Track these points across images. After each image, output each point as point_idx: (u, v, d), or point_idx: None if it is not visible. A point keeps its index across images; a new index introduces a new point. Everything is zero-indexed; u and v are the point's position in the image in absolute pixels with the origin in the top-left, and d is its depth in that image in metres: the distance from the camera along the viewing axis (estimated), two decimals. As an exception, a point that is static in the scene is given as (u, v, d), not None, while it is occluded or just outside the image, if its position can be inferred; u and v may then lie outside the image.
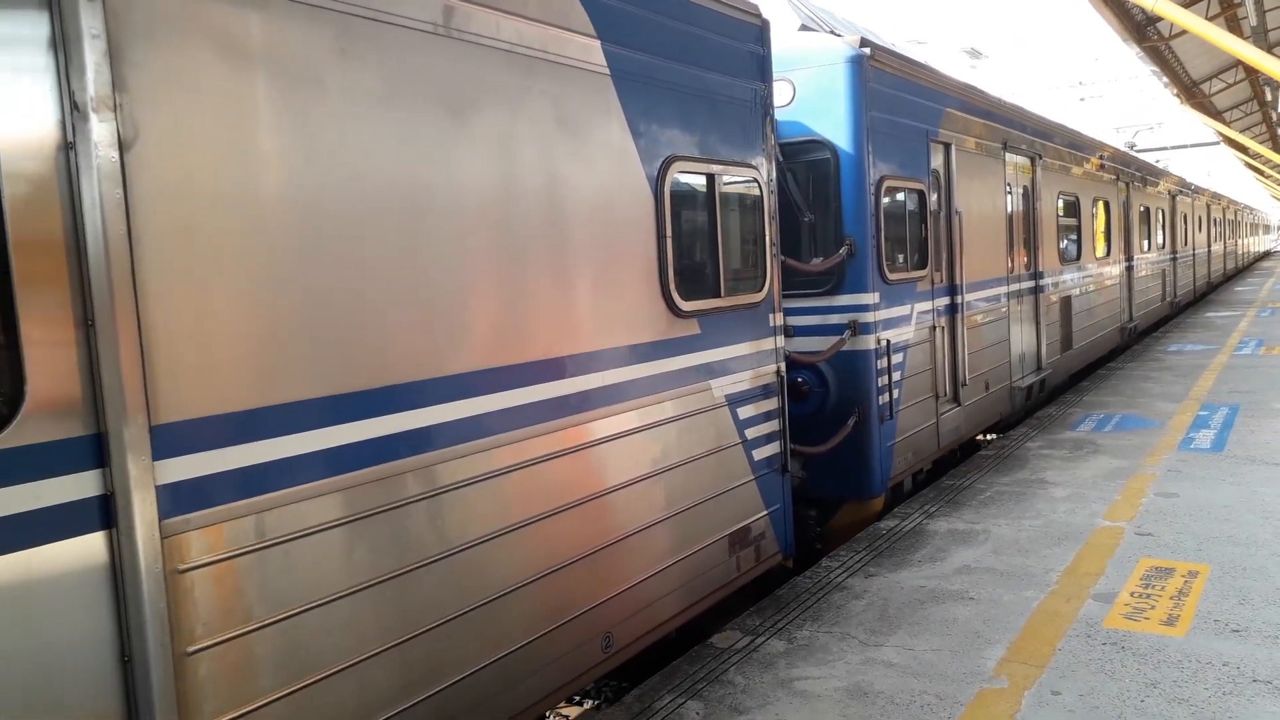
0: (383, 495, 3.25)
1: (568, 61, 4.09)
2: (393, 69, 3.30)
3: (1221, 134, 27.54)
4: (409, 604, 3.34)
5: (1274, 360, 13.94)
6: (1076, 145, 13.24)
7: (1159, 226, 19.95)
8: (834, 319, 6.95)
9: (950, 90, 8.67)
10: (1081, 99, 43.06)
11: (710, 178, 5.09)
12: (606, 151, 4.36)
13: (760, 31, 5.59)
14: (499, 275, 3.74)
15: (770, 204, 5.64)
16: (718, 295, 5.12)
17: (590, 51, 4.23)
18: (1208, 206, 28.89)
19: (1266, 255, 71.31)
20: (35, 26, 2.42)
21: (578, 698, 5.54)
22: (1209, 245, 29.40)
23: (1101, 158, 14.74)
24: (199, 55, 2.74)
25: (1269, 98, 24.28)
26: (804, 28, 7.36)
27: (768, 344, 5.58)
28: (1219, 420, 9.70)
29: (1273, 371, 12.81)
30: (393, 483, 3.28)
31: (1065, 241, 12.42)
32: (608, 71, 4.33)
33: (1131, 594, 5.25)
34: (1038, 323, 11.04)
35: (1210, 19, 14.85)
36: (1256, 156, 37.50)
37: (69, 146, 2.47)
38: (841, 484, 7.03)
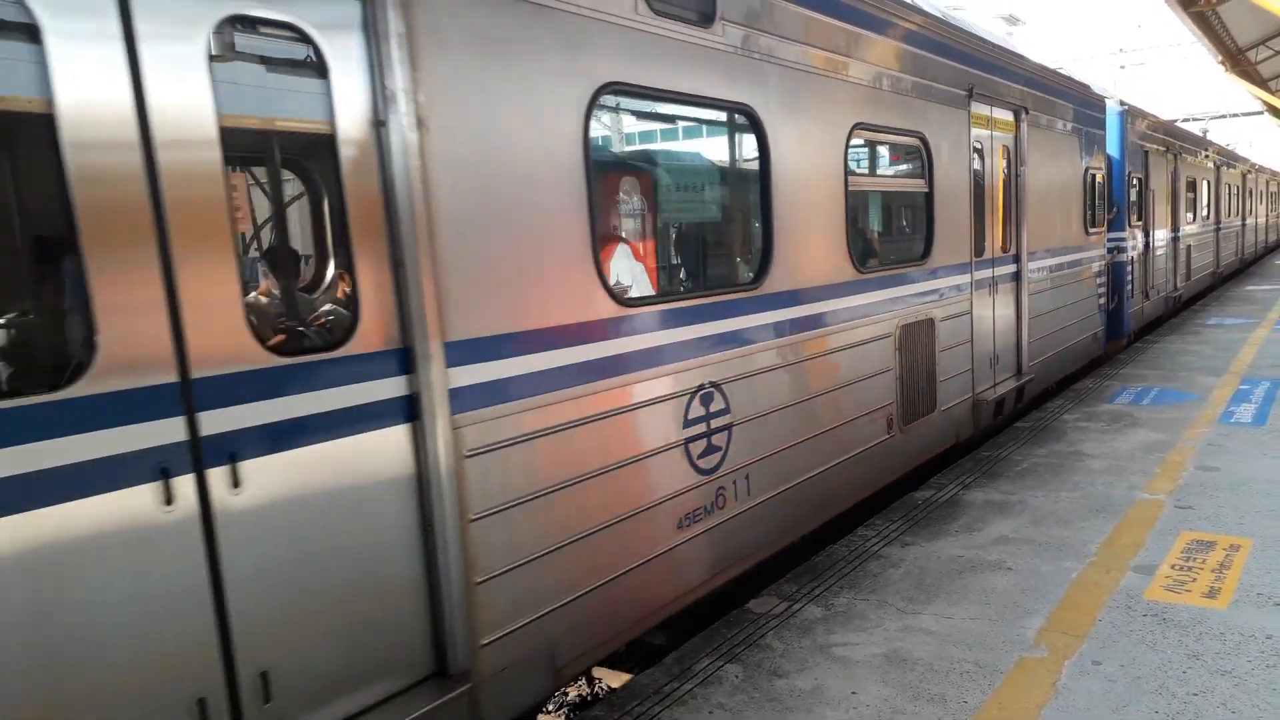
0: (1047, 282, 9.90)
1: (1068, 133, 10.38)
2: (1045, 142, 9.52)
3: (1266, 103, 26.84)
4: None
5: (1317, 335, 13.69)
6: (1197, 143, 20.07)
7: (1236, 199, 25.99)
8: (1109, 244, 12.69)
9: (1150, 119, 15.16)
10: (1122, 67, 42.12)
11: (1094, 176, 11.36)
12: (1074, 166, 10.66)
13: (1103, 103, 12.24)
14: (1055, 212, 9.96)
15: (1107, 184, 12.21)
16: (1094, 226, 11.45)
17: (1073, 129, 10.57)
18: (1267, 182, 35.81)
19: None
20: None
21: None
22: (1268, 215, 36.74)
23: (1207, 149, 21.14)
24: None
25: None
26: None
27: (1102, 250, 12.01)
28: (1260, 394, 9.57)
29: (1315, 346, 12.59)
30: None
31: (1188, 209, 18.49)
32: (1074, 134, 10.62)
33: (1172, 566, 5.22)
34: (1175, 259, 17.33)
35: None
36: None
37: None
38: (1110, 330, 12.97)
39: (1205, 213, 20.34)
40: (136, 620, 2.65)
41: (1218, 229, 22.16)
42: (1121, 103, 13.04)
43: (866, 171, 6.96)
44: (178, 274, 2.68)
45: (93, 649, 2.57)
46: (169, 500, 2.69)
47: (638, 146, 5.25)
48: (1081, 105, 10.84)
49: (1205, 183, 20.12)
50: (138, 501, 2.63)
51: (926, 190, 6.98)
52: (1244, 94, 28.09)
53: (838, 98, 5.65)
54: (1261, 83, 25.73)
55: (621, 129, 4.91)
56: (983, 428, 8.19)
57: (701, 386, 4.61)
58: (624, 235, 5.18)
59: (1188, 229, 18.21)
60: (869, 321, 6.10)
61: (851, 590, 5.16)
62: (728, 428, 4.79)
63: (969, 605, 4.88)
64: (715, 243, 6.16)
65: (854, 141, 5.85)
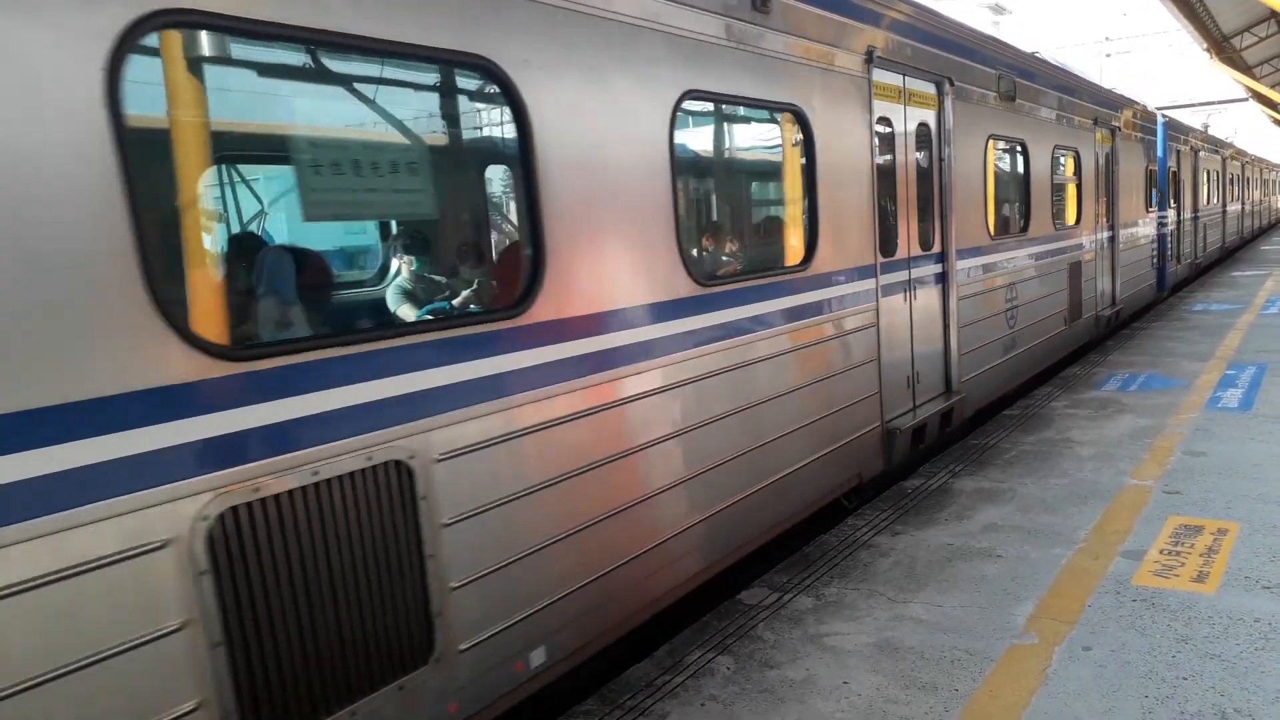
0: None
1: (1137, 140, 15.31)
2: (1127, 149, 14.39)
3: (1251, 90, 26.95)
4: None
5: (1302, 319, 13.77)
6: (1208, 140, 24.63)
7: (1236, 187, 31.09)
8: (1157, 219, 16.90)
9: (1179, 125, 19.66)
10: (1108, 55, 42.19)
11: (1150, 170, 16.26)
12: (1141, 164, 15.74)
13: (1155, 116, 16.72)
14: (1131, 196, 14.75)
15: (1156, 176, 16.76)
16: (1150, 208, 16.28)
17: (1139, 137, 15.50)
18: (1260, 171, 41.44)
19: None
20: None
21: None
22: (1260, 200, 42.28)
23: (1217, 144, 26.22)
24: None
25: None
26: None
27: (1154, 224, 16.43)
28: (1246, 379, 9.62)
29: (1301, 331, 12.66)
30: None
31: (1203, 193, 23.26)
32: (1139, 141, 15.49)
33: (1161, 551, 5.24)
34: (1196, 234, 21.99)
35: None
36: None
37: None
38: (1156, 286, 16.88)
39: (1216, 198, 25.78)
40: (901, 340, 6.86)
41: (1224, 211, 27.48)
42: (1163, 115, 17.52)
43: (1056, 171, 10.78)
44: (906, 219, 6.93)
45: (890, 357, 6.65)
46: (905, 300, 6.87)
47: (990, 163, 8.91)
48: (1143, 119, 15.93)
49: (1214, 173, 25.47)
50: (901, 299, 6.84)
51: (1078, 182, 11.47)
52: (1229, 81, 28.20)
53: (1050, 130, 10.34)
54: (1246, 69, 25.84)
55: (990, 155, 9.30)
56: (1099, 334, 12.80)
57: (1010, 283, 9.05)
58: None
59: (1203, 211, 23.43)
60: (1060, 259, 10.77)
61: (842, 580, 5.17)
62: (1017, 307, 9.26)
63: (959, 593, 4.89)
64: (1015, 209, 9.75)
65: (1053, 153, 10.41)
